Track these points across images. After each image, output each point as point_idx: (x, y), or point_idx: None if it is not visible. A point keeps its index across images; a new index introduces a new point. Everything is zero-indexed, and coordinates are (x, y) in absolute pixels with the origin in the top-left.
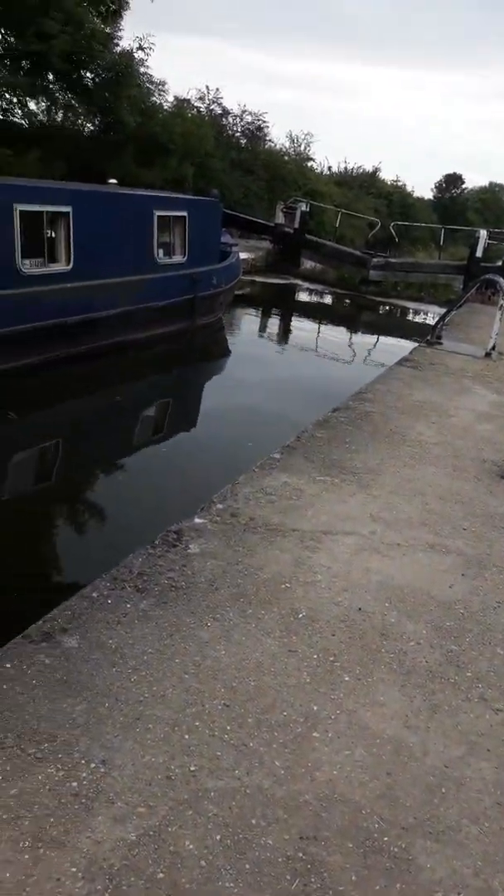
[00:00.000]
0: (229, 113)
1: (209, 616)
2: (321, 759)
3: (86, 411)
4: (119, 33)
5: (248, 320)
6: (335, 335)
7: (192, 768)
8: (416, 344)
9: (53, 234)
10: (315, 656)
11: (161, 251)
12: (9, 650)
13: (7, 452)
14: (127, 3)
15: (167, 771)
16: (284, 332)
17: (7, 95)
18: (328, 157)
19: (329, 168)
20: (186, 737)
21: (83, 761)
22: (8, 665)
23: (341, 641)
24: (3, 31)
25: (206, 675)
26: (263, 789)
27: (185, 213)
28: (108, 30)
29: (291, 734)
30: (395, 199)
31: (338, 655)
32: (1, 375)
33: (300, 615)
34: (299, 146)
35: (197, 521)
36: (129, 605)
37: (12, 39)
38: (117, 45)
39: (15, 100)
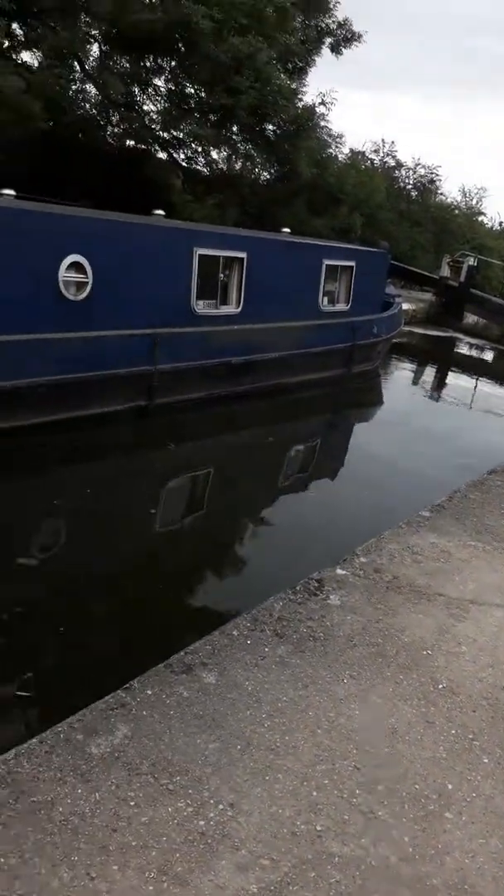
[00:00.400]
0: (402, 165)
1: (346, 672)
2: (452, 843)
3: (238, 448)
4: (303, 88)
5: (405, 370)
6: (494, 393)
7: (318, 828)
8: None
9: (227, 278)
10: (453, 731)
11: (326, 299)
12: (150, 677)
13: (162, 481)
14: (313, 60)
15: (293, 826)
16: (440, 385)
17: (193, 145)
18: (501, 212)
19: (501, 223)
20: (314, 794)
21: (212, 801)
22: (149, 692)
23: (482, 720)
24: (195, 87)
25: (339, 732)
26: (390, 864)
27: (352, 264)
28: (293, 85)
29: (423, 810)
30: None
31: (478, 734)
32: (169, 408)
33: (440, 685)
34: (471, 200)
35: (339, 571)
36: (266, 649)
37: (203, 94)
38: (301, 99)
39: (200, 149)
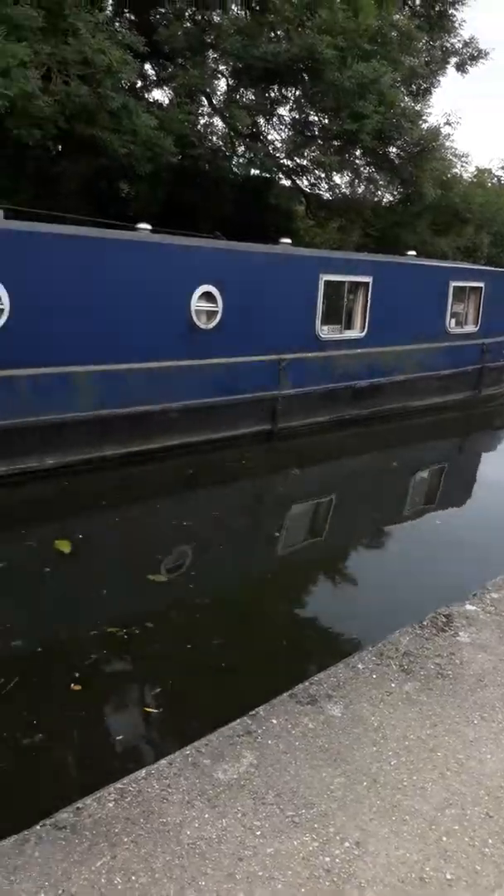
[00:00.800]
0: None
1: (476, 713)
2: None
3: (361, 473)
4: (428, 110)
5: None
6: None
7: (448, 876)
8: None
9: (352, 302)
10: None
11: (453, 321)
12: (276, 706)
13: (286, 505)
14: (438, 80)
15: (421, 872)
16: None
17: (316, 171)
18: None
19: None
20: (444, 839)
21: (337, 837)
22: (274, 721)
23: None
24: (318, 115)
25: (470, 776)
26: None
27: (481, 284)
28: (418, 107)
29: None
30: None
31: None
32: (293, 432)
33: None
34: None
35: (468, 607)
36: (393, 685)
37: (326, 121)
38: (425, 121)
39: (323, 174)
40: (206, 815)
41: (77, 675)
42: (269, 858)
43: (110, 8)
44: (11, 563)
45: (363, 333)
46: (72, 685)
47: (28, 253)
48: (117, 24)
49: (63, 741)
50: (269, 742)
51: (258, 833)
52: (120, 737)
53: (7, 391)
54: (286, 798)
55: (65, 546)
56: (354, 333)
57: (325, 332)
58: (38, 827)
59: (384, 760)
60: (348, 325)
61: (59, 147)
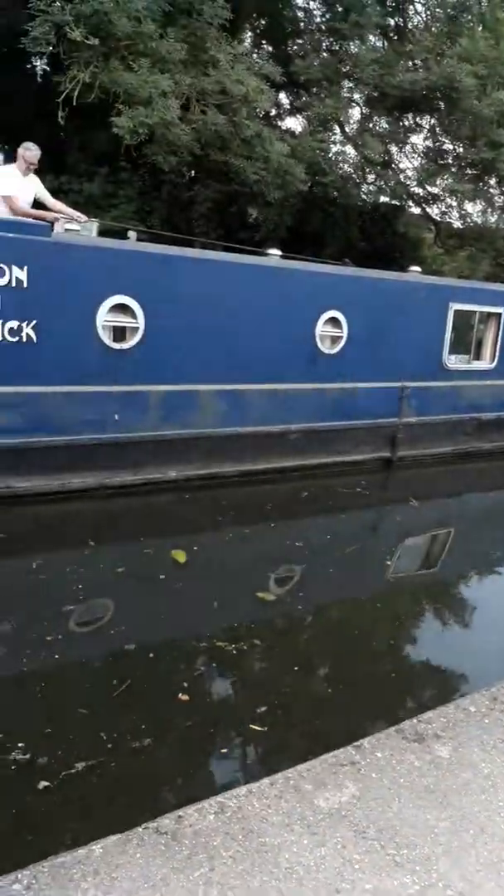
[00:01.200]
0: None
1: None
2: None
3: (484, 509)
4: None
5: None
6: None
7: None
8: None
9: (482, 333)
10: None
11: None
12: (381, 740)
13: (399, 538)
14: None
15: None
16: None
17: (448, 200)
18: None
19: None
20: None
21: (440, 884)
22: (379, 754)
23: None
24: (453, 143)
25: None
26: None
27: None
28: None
29: None
30: None
31: None
32: (413, 461)
33: None
34: None
35: None
36: None
37: (460, 149)
38: None
39: (454, 203)
40: (305, 841)
41: (185, 685)
42: (368, 895)
43: (249, 40)
44: (129, 568)
45: (493, 364)
46: (179, 695)
47: (161, 275)
48: (255, 55)
49: (167, 749)
50: (373, 775)
51: (357, 867)
52: (224, 750)
53: (138, 406)
54: (387, 835)
55: (180, 556)
56: (484, 364)
57: (453, 361)
58: (139, 829)
59: (493, 810)
60: (477, 356)
61: (192, 172)
